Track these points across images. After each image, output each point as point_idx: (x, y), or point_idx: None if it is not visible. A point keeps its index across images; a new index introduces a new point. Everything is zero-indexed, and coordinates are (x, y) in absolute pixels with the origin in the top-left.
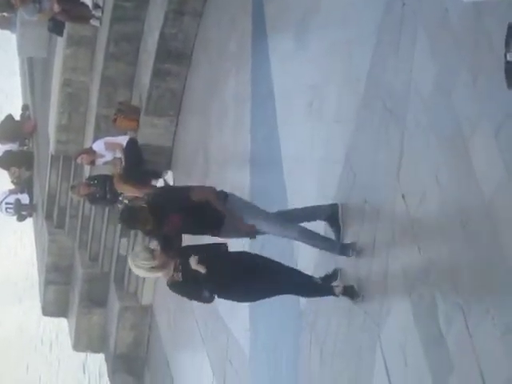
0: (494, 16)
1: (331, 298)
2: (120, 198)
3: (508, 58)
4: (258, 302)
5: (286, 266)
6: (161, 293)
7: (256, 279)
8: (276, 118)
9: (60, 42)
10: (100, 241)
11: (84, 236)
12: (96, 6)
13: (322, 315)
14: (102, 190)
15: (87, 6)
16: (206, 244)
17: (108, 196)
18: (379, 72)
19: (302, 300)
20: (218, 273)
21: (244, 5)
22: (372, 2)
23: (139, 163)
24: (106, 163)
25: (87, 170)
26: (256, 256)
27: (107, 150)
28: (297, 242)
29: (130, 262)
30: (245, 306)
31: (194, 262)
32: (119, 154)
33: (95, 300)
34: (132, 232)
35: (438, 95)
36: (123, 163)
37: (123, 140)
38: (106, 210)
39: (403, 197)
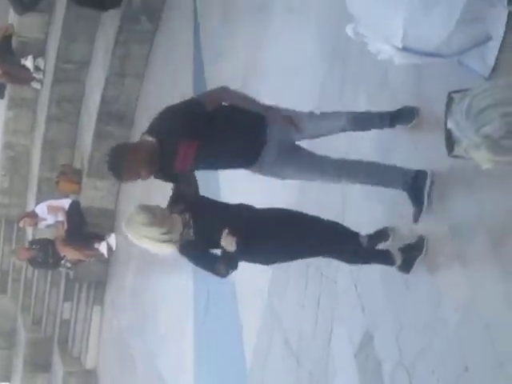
0: (434, 77)
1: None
2: (62, 262)
3: (448, 126)
4: (204, 366)
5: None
6: (105, 356)
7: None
8: None
9: (1, 104)
10: (43, 304)
11: (27, 299)
12: (37, 68)
13: (269, 374)
14: (44, 254)
15: (28, 69)
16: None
17: (50, 260)
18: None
19: (248, 357)
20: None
21: (185, 66)
22: (315, 64)
23: (82, 226)
24: (48, 226)
25: (30, 233)
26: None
27: (49, 214)
28: None
29: (130, 232)
30: (189, 366)
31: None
32: (61, 217)
33: (39, 364)
34: (75, 295)
35: (379, 151)
36: (65, 226)
37: (66, 203)
38: (49, 273)
39: None
